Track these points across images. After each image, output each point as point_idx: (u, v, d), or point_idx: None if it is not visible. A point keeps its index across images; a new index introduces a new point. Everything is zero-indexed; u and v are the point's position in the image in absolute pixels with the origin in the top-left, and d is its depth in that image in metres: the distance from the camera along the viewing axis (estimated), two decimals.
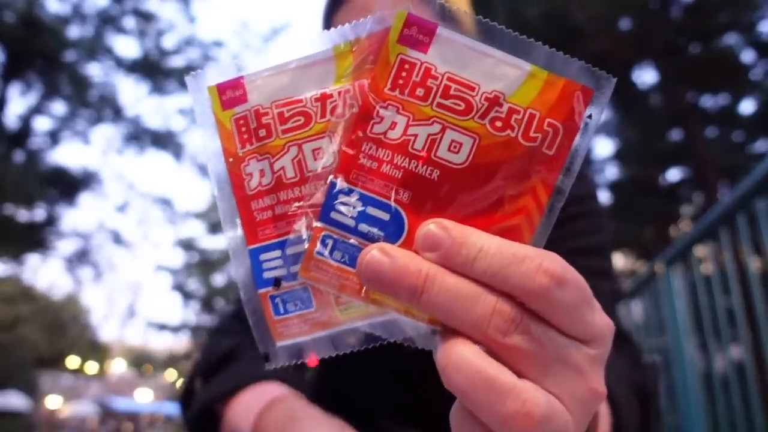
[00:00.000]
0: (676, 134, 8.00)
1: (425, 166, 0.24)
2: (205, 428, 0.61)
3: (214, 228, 20.48)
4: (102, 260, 14.66)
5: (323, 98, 0.25)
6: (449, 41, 0.24)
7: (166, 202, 15.31)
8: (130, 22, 11.93)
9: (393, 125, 0.24)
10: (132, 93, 21.39)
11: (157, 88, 12.61)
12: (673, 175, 8.95)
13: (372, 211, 0.24)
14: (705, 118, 7.73)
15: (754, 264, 1.80)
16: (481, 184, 0.24)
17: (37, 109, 11.55)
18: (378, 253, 0.23)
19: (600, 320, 0.26)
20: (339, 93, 0.25)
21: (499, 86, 0.23)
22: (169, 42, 12.44)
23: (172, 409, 32.06)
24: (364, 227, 0.24)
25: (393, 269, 0.23)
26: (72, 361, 32.81)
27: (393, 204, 0.24)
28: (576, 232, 0.72)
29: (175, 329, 20.97)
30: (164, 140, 13.37)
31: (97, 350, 35.66)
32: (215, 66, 0.26)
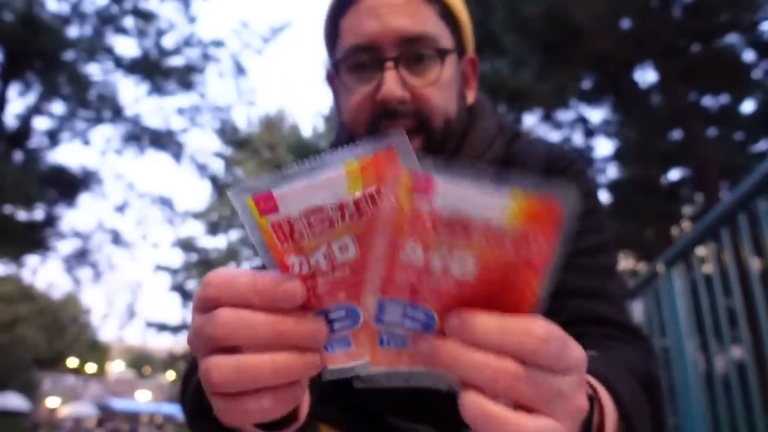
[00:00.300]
0: (676, 134, 7.99)
1: (444, 281, 0.33)
2: (199, 411, 0.59)
3: (213, 228, 20.49)
4: (101, 260, 14.66)
5: (341, 206, 0.32)
6: (447, 186, 0.31)
7: (165, 202, 15.32)
8: (129, 21, 11.93)
9: (416, 253, 0.32)
10: (131, 93, 21.40)
11: (157, 88, 12.61)
12: (674, 175, 8.96)
13: (412, 313, 0.34)
14: (706, 117, 7.72)
15: (755, 264, 1.79)
16: (488, 286, 0.33)
17: (37, 109, 11.54)
18: (427, 345, 0.33)
19: (576, 354, 0.35)
20: (353, 201, 0.32)
21: (490, 214, 0.31)
22: (168, 41, 12.44)
23: (171, 409, 32.07)
24: (408, 323, 0.34)
25: (434, 354, 0.33)
26: (71, 362, 32.80)
27: (426, 308, 0.34)
28: (579, 231, 0.72)
29: (175, 329, 20.97)
30: (164, 140, 13.37)
31: (97, 350, 35.65)
32: (249, 179, 0.33)
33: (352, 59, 0.73)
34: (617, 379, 0.50)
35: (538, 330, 0.33)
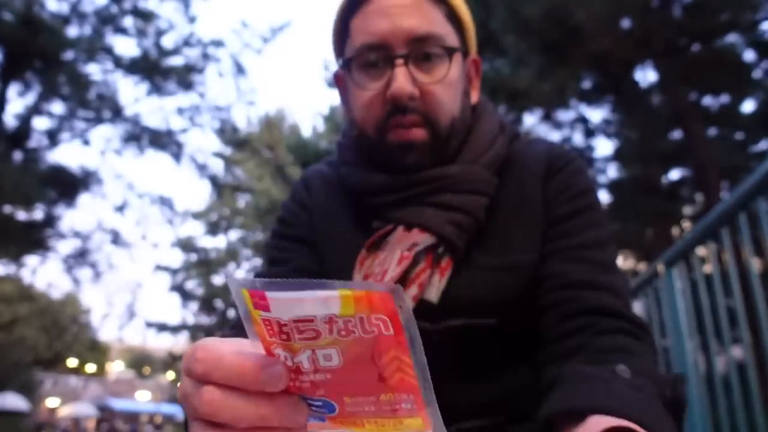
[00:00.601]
0: (676, 134, 7.98)
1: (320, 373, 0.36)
2: None
3: (213, 228, 20.48)
4: (101, 260, 14.63)
5: (330, 321, 0.33)
6: (278, 297, 0.34)
7: (165, 202, 15.29)
8: (128, 21, 11.92)
9: (288, 356, 0.36)
10: (131, 93, 21.36)
11: (156, 88, 12.59)
12: (674, 175, 8.96)
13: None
14: (706, 117, 7.71)
15: (755, 264, 1.79)
16: (355, 368, 0.34)
17: (36, 109, 11.53)
18: None
19: None
20: (342, 320, 0.33)
21: (329, 311, 0.33)
22: (168, 41, 12.42)
23: (171, 409, 32.06)
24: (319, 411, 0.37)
25: None
26: (71, 362, 32.78)
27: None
28: (579, 227, 0.74)
29: (174, 329, 20.96)
30: (163, 140, 13.36)
31: (96, 351, 35.63)
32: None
33: (362, 57, 0.75)
34: (662, 424, 0.50)
35: None
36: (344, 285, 0.32)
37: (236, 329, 0.75)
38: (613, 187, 8.91)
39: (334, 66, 0.87)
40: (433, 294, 0.70)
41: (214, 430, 0.35)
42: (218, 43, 13.01)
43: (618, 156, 9.00)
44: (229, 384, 0.34)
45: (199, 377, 0.35)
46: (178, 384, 0.39)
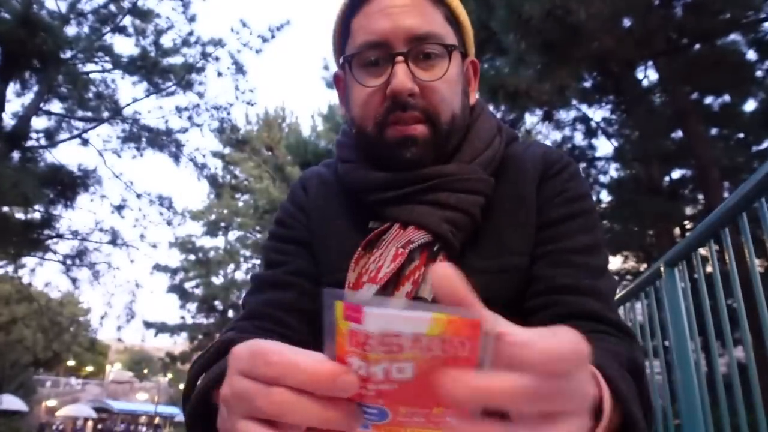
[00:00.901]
0: (678, 134, 7.98)
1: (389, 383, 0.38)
2: (201, 419, 0.58)
3: (212, 228, 20.48)
4: (99, 261, 14.60)
5: (416, 338, 0.35)
6: (375, 312, 0.36)
7: (163, 202, 15.27)
8: (127, 20, 11.90)
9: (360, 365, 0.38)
10: (130, 92, 21.35)
11: (155, 88, 12.58)
12: (676, 174, 8.96)
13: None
14: (707, 117, 7.71)
15: (756, 265, 1.78)
16: (426, 383, 0.36)
17: (35, 109, 11.52)
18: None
19: (584, 346, 0.36)
20: (427, 338, 0.35)
21: (417, 329, 0.34)
22: (167, 40, 12.41)
23: (169, 410, 32.07)
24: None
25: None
26: (69, 363, 32.77)
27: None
28: (571, 231, 0.75)
29: (173, 330, 20.94)
30: (162, 140, 13.34)
31: (95, 352, 35.62)
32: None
33: (363, 55, 0.76)
34: (607, 363, 0.51)
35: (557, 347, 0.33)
36: (438, 309, 0.35)
37: (236, 330, 0.74)
38: (613, 187, 8.92)
39: (333, 66, 0.87)
40: (427, 292, 0.70)
41: (271, 430, 0.37)
42: (217, 43, 12.99)
43: (619, 156, 9.00)
44: (301, 388, 0.36)
45: (270, 380, 0.36)
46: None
